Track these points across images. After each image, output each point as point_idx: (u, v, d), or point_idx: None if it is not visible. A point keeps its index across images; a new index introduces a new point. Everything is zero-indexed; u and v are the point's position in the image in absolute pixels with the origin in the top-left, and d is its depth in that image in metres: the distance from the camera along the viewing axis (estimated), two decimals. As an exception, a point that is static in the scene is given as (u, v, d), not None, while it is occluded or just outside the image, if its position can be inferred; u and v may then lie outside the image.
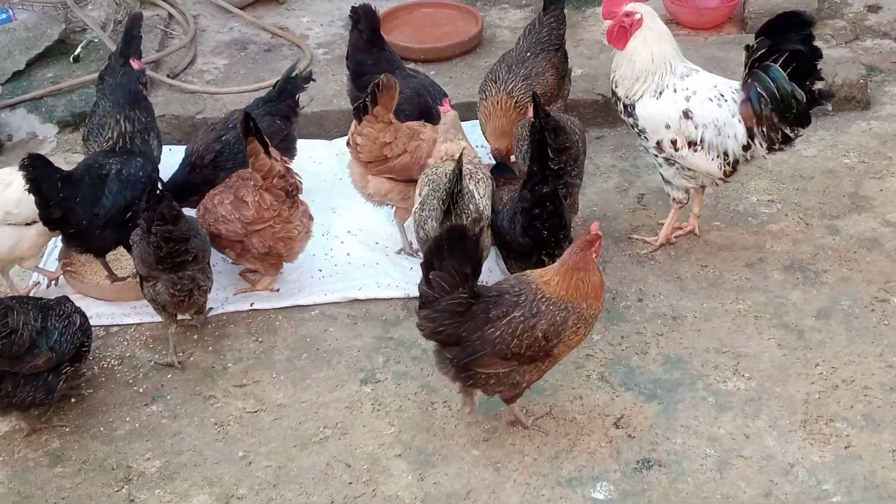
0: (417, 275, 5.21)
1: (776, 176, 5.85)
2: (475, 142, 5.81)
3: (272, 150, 4.92)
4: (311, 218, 5.16)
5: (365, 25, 5.81)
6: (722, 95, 5.06)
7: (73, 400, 4.70)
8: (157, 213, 4.59)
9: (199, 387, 4.76)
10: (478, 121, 5.76)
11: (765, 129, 5.01)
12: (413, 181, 5.20)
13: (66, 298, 4.74)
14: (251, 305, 5.18)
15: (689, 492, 4.21)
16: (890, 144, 6.07)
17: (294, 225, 5.03)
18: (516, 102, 5.50)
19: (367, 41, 5.82)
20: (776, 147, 5.06)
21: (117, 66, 5.56)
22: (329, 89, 6.56)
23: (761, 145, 5.05)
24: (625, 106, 5.14)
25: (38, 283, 5.36)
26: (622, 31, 5.06)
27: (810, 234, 5.46)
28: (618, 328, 4.95)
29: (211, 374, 4.82)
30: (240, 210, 4.97)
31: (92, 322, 4.82)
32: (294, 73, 5.77)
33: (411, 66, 6.26)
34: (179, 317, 4.93)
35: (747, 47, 5.04)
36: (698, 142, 5.03)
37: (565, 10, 5.89)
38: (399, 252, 5.48)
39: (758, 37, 5.02)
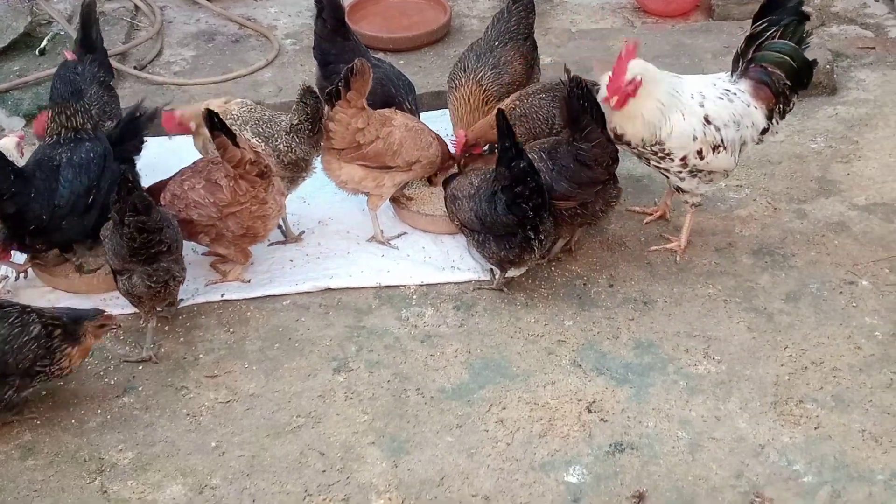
0: (388, 263, 5.30)
1: (744, 161, 5.85)
2: (445, 132, 5.80)
3: (240, 139, 4.90)
4: (283, 194, 5.18)
5: (329, 14, 5.78)
6: (728, 90, 4.99)
7: (43, 393, 4.66)
8: (129, 204, 4.55)
9: (170, 378, 4.74)
10: (447, 110, 5.75)
11: (781, 105, 5.03)
12: (386, 168, 5.21)
13: (30, 308, 4.49)
14: (222, 296, 5.15)
15: (662, 474, 4.23)
16: (856, 129, 6.13)
17: (269, 204, 5.03)
18: (485, 91, 5.50)
19: (332, 30, 5.80)
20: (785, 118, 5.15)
21: (81, 52, 5.57)
22: (297, 79, 6.52)
23: (777, 122, 5.08)
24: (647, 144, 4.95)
25: (7, 276, 5.32)
26: (625, 97, 4.83)
27: (778, 218, 5.50)
28: (589, 313, 4.97)
29: (182, 366, 4.80)
30: (214, 194, 4.94)
31: (62, 315, 4.79)
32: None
33: (379, 55, 6.25)
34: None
35: (749, 36, 5.01)
36: (720, 143, 4.95)
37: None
38: (370, 240, 5.47)
39: (755, 22, 5.03)
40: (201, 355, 4.85)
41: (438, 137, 5.44)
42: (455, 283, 5.21)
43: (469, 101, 5.52)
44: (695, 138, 4.91)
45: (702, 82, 5.05)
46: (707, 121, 4.91)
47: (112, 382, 4.73)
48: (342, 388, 4.67)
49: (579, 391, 4.59)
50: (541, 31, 6.40)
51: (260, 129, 5.30)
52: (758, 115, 5.01)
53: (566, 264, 5.27)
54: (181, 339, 4.94)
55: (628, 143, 4.96)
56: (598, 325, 4.91)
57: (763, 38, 4.98)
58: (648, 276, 5.16)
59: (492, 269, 5.16)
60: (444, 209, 5.44)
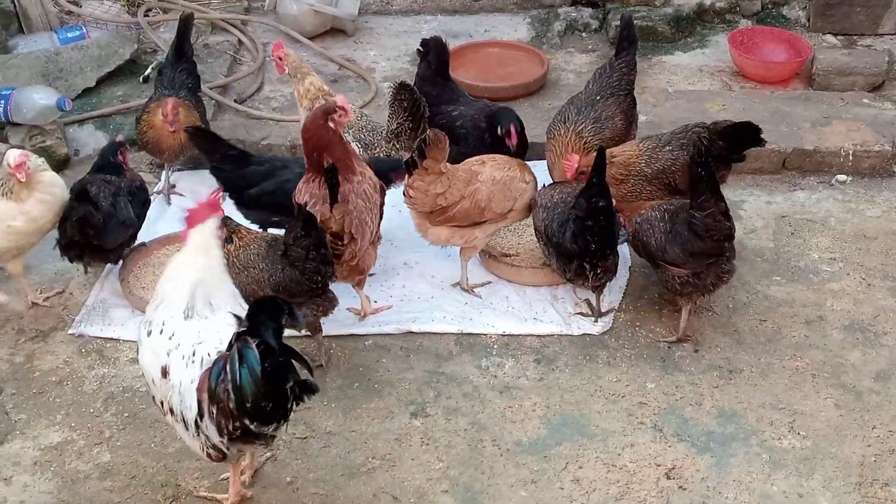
0: (471, 310, 5.29)
1: (839, 234, 5.79)
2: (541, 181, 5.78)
3: (335, 209, 4.80)
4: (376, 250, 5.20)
5: (434, 57, 5.89)
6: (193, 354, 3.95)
7: (126, 415, 4.72)
8: (315, 239, 4.57)
9: (250, 409, 4.76)
10: (545, 161, 5.73)
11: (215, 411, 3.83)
12: (477, 224, 5.22)
13: None
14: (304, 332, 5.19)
15: (739, 548, 4.15)
16: (955, 209, 6.01)
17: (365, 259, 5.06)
18: (585, 143, 5.48)
19: (435, 71, 5.91)
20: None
21: (174, 60, 6.15)
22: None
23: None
24: None
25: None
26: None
27: (872, 294, 5.39)
28: (672, 377, 4.91)
29: (262, 398, 4.82)
30: None
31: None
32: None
33: (475, 100, 6.29)
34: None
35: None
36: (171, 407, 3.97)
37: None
38: (454, 286, 5.48)
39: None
40: (281, 389, 4.87)
41: (533, 178, 5.39)
42: (537, 336, 5.18)
43: (568, 149, 5.49)
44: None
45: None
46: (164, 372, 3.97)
47: (192, 409, 4.76)
48: (418, 432, 4.66)
49: (659, 456, 4.52)
50: (638, 89, 6.33)
51: (361, 136, 5.47)
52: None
53: (651, 325, 5.21)
54: (262, 371, 4.97)
55: None
56: (682, 390, 4.84)
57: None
58: (735, 344, 5.08)
59: (588, 300, 5.23)
60: (529, 261, 5.45)
